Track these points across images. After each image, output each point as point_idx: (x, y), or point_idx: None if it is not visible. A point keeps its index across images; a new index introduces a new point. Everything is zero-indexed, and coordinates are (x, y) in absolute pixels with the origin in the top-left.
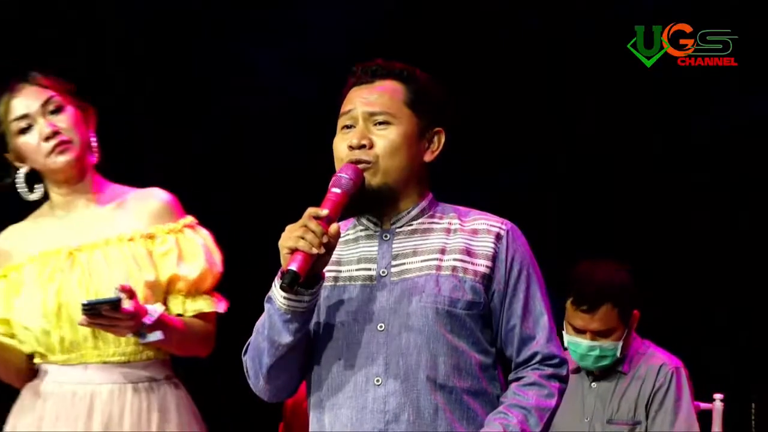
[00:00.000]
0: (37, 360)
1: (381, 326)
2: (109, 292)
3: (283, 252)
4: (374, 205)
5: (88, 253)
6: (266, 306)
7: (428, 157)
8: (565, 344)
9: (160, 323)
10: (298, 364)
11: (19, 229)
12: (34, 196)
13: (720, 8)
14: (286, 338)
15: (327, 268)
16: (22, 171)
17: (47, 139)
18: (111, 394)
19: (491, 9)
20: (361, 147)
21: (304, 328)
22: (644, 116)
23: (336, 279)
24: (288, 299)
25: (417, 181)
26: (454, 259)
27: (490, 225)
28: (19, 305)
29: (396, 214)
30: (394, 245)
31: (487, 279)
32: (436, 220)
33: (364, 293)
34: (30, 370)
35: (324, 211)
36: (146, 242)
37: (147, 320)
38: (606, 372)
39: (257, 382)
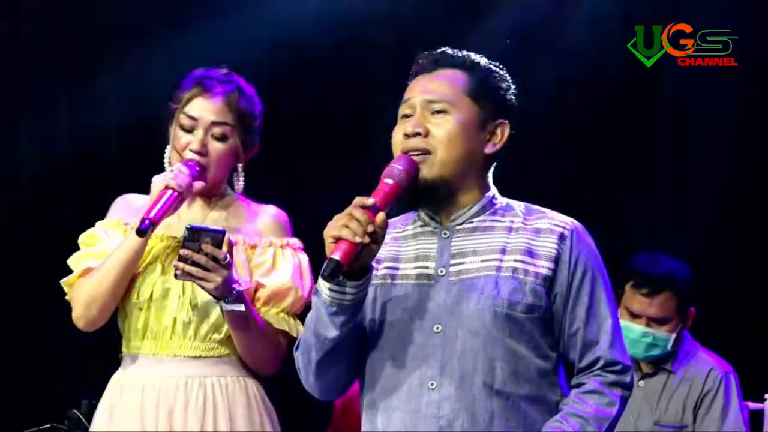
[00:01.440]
0: (124, 349)
1: (437, 327)
2: (205, 297)
3: (328, 241)
4: (430, 198)
5: None
6: (313, 299)
7: (489, 150)
8: None
9: (245, 301)
10: (347, 360)
11: (144, 203)
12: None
13: (720, 8)
14: (332, 332)
15: (384, 264)
16: (168, 149)
17: (192, 151)
18: (177, 387)
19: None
20: (416, 135)
21: (351, 322)
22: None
23: (392, 276)
24: (332, 291)
25: (477, 175)
26: (515, 260)
27: (554, 224)
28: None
29: (456, 210)
30: (453, 243)
31: (549, 281)
32: (498, 217)
33: (420, 292)
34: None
35: (370, 201)
36: (248, 250)
37: (236, 285)
38: (654, 370)
39: (307, 379)
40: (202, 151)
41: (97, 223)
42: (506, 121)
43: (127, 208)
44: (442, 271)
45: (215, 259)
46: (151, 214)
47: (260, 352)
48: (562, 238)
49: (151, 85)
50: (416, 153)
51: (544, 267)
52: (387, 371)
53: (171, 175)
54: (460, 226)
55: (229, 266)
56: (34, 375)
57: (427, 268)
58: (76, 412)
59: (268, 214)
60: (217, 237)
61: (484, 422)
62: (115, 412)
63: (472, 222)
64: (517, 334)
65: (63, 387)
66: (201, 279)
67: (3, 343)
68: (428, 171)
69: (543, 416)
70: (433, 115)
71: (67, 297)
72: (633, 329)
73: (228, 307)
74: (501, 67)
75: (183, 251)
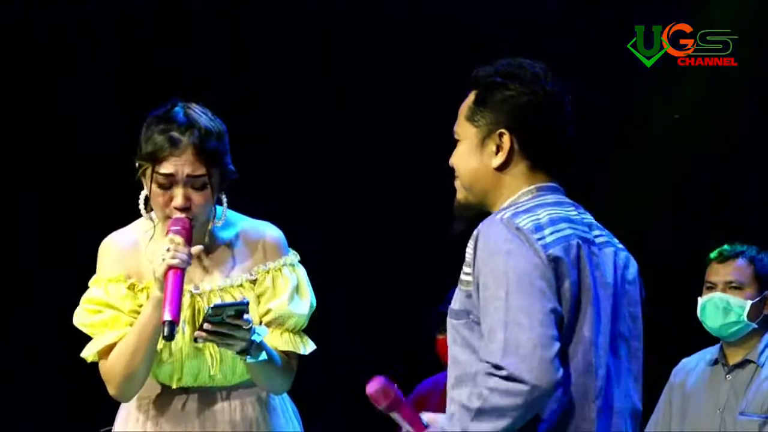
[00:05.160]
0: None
1: None
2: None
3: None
4: (476, 215)
5: (206, 298)
6: None
7: (496, 162)
8: (699, 312)
9: (265, 348)
10: None
11: (134, 243)
12: (147, 217)
13: (720, 8)
14: None
15: None
16: (143, 194)
17: (177, 208)
18: (222, 409)
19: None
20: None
21: None
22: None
23: None
24: None
25: (493, 190)
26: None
27: (477, 228)
28: None
29: None
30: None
31: (470, 285)
32: None
33: None
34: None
35: None
36: (251, 286)
37: (256, 338)
38: (741, 361)
39: None
40: (187, 206)
41: (94, 282)
42: (504, 130)
43: (117, 257)
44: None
45: (238, 327)
46: (173, 314)
47: (278, 380)
48: (474, 240)
49: None
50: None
51: (465, 273)
52: None
53: (169, 255)
54: None
55: (250, 330)
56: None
57: None
58: None
59: (262, 236)
60: (241, 308)
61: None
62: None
63: None
64: (459, 340)
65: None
66: (224, 344)
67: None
68: (460, 195)
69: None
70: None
71: (88, 360)
72: (710, 298)
73: (251, 361)
74: (514, 66)
75: (206, 325)
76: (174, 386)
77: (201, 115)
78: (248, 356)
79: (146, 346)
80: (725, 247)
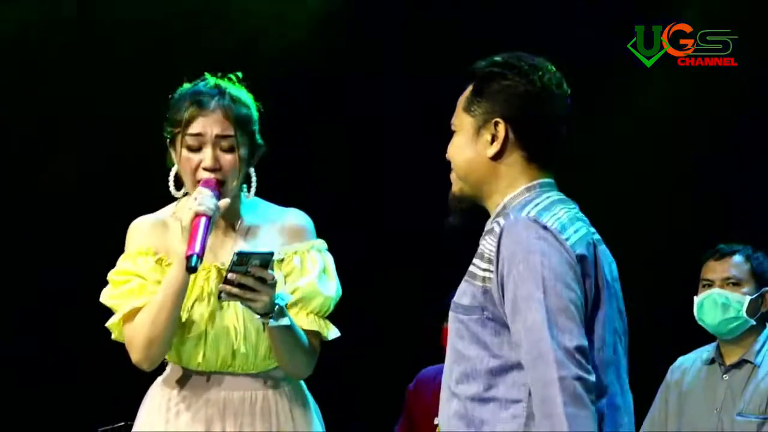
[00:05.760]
0: (168, 358)
1: None
2: (259, 324)
3: None
4: (471, 208)
5: None
6: None
7: (490, 152)
8: (696, 310)
9: (287, 315)
10: None
11: (162, 222)
12: (179, 194)
13: (720, 8)
14: None
15: None
16: (173, 170)
17: (206, 170)
18: (242, 400)
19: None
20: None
21: None
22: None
23: None
24: None
25: (489, 181)
26: (472, 262)
27: (495, 223)
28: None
29: (488, 217)
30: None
31: (488, 281)
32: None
33: None
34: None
35: None
36: (279, 265)
37: (280, 301)
38: (738, 361)
39: None
40: (216, 167)
41: (122, 257)
42: (500, 119)
43: (147, 233)
44: None
45: (262, 280)
46: (196, 249)
47: (299, 358)
48: (497, 237)
49: None
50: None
51: (481, 268)
52: None
53: (197, 202)
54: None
55: (275, 286)
56: (107, 370)
57: None
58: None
59: (292, 219)
60: (266, 258)
61: (446, 424)
62: (171, 424)
63: (488, 226)
64: (467, 336)
65: (137, 383)
66: (248, 300)
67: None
68: (455, 187)
69: (497, 415)
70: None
71: (113, 337)
72: (708, 295)
73: (273, 324)
74: (513, 58)
75: (230, 275)
76: (197, 367)
77: (231, 85)
78: (271, 319)
79: (171, 305)
80: (721, 245)
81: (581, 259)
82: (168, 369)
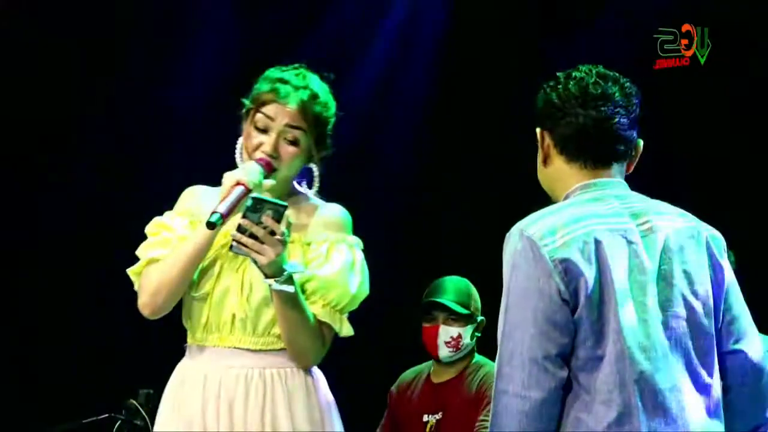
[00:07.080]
0: (189, 340)
1: None
2: (262, 294)
3: None
4: None
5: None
6: None
7: (539, 159)
8: None
9: (294, 284)
10: None
11: (211, 194)
12: (242, 164)
13: (721, 9)
14: None
15: None
16: (240, 141)
17: (263, 153)
18: (237, 379)
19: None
20: None
21: None
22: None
23: None
24: None
25: (551, 186)
26: None
27: None
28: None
29: None
30: None
31: None
32: None
33: None
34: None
35: None
36: (303, 247)
37: (288, 267)
38: None
39: None
40: (274, 154)
41: (165, 213)
42: (539, 128)
43: (195, 199)
44: None
45: (273, 234)
46: (222, 209)
47: (303, 340)
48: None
49: None
50: None
51: None
52: None
53: (243, 172)
54: None
55: (285, 243)
56: (92, 364)
57: None
58: (134, 402)
59: (330, 211)
60: (279, 210)
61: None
62: (177, 402)
63: None
64: None
65: (121, 376)
66: (256, 252)
67: (63, 331)
68: None
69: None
70: None
71: (135, 288)
72: None
73: (277, 287)
74: (561, 71)
75: (243, 221)
76: (203, 334)
77: (316, 82)
78: (275, 281)
79: (186, 260)
80: None
81: (562, 262)
82: (187, 352)
